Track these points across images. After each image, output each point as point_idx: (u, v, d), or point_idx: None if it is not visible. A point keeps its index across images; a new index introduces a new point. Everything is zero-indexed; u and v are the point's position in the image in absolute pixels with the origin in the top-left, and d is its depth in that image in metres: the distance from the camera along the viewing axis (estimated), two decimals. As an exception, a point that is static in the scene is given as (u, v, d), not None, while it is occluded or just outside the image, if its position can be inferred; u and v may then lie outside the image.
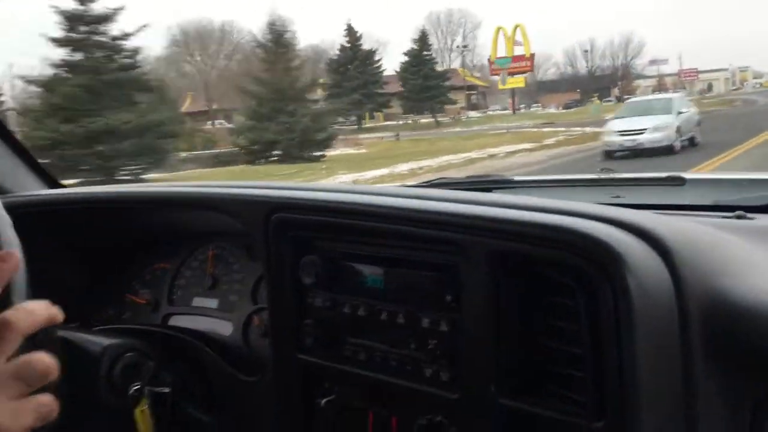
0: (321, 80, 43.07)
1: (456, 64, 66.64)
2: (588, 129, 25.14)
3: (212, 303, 1.44)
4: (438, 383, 0.97)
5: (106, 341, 1.17)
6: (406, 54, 52.35)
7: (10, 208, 0.69)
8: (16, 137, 1.63)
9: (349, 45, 49.41)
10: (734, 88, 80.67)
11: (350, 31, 50.03)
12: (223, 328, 1.39)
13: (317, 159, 24.22)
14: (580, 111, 49.95)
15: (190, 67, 51.24)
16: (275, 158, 25.32)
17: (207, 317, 1.43)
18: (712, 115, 27.87)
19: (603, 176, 1.71)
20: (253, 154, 25.74)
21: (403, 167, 16.92)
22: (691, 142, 16.87)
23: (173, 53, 50.79)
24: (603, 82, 68.87)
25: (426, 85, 49.28)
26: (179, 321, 1.48)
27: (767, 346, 0.77)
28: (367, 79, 48.79)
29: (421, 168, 16.26)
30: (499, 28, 55.76)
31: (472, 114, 56.27)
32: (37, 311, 0.62)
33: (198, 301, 1.47)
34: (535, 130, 28.43)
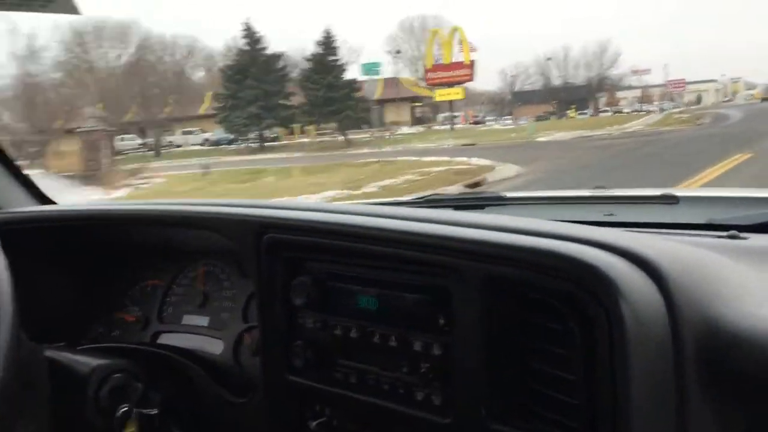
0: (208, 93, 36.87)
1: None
2: (475, 161, 18.41)
3: (203, 321, 1.43)
4: (430, 407, 0.96)
5: (94, 362, 1.16)
6: (308, 59, 42.01)
7: (0, 224, 0.69)
8: (6, 153, 1.61)
9: (249, 48, 40.00)
10: (725, 99, 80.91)
11: (249, 32, 40.07)
12: (214, 346, 1.38)
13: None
14: (519, 129, 41.04)
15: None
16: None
17: (197, 335, 1.42)
18: (657, 139, 23.10)
19: (596, 193, 1.71)
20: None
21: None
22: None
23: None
24: (579, 93, 66.95)
25: (329, 96, 39.43)
26: (169, 339, 1.46)
27: (760, 373, 0.77)
28: (268, 89, 39.08)
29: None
30: (435, 32, 47.80)
31: (405, 130, 46.20)
32: None
33: (188, 319, 1.45)
34: (414, 159, 20.38)
